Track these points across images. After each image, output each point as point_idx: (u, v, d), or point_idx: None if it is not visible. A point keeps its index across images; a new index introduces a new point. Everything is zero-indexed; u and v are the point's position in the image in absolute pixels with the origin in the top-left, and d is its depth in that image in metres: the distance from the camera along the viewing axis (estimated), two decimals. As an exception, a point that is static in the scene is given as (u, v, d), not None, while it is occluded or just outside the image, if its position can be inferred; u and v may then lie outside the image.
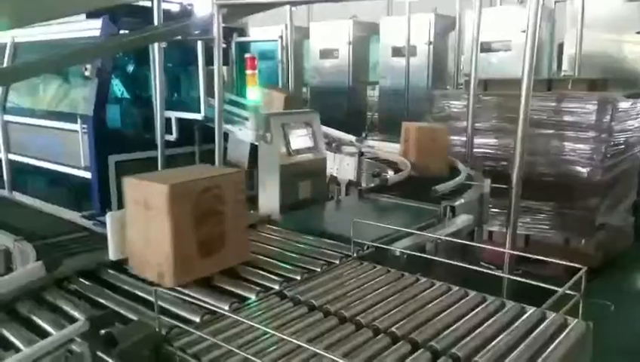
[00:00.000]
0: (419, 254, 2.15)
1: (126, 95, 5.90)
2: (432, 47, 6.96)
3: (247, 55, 4.65)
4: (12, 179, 5.96)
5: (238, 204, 1.91)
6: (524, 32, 3.45)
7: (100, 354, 1.39)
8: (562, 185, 4.74)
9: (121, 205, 5.02)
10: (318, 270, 2.03)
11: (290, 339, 1.38)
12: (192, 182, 1.81)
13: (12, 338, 1.59)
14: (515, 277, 1.87)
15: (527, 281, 1.72)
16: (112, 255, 2.05)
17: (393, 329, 1.52)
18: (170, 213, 1.73)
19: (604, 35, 6.57)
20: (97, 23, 4.86)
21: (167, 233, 1.74)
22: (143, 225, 1.83)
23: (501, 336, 1.46)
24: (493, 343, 1.42)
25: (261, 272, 2.03)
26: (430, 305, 1.70)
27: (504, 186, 3.59)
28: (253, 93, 4.68)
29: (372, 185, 3.36)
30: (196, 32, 4.61)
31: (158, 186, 1.76)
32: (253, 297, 1.80)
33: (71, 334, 1.42)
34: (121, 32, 4.92)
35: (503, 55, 6.51)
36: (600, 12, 6.56)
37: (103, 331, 1.42)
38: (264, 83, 5.29)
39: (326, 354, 1.30)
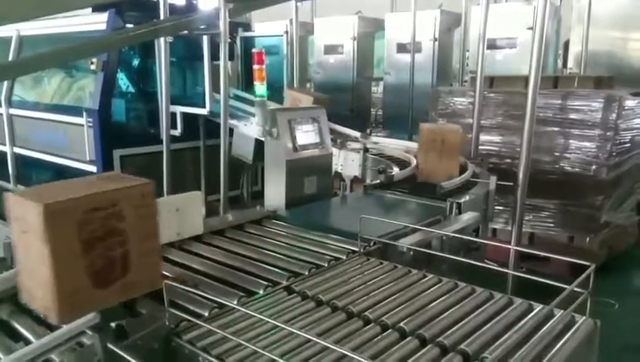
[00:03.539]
0: (425, 250, 2.16)
1: (131, 89, 5.91)
2: (437, 43, 6.93)
3: (254, 50, 4.64)
4: (17, 172, 5.98)
5: (143, 222, 1.55)
6: (529, 29, 3.45)
7: (110, 346, 1.40)
8: (567, 183, 4.74)
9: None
10: (325, 265, 2.04)
11: (299, 333, 1.38)
12: (76, 199, 1.41)
13: (22, 331, 1.60)
14: (522, 274, 1.87)
15: (534, 278, 1.73)
16: (120, 248, 2.05)
17: (401, 324, 1.52)
18: (48, 236, 1.36)
19: (611, 32, 6.55)
20: (103, 16, 4.87)
21: (46, 260, 1.37)
22: (23, 249, 1.47)
23: (509, 333, 1.46)
24: (501, 340, 1.43)
25: (268, 267, 2.04)
26: (438, 302, 1.70)
27: (509, 183, 3.58)
28: (260, 88, 4.69)
29: (377, 181, 3.36)
30: (202, 27, 4.60)
31: (33, 205, 1.36)
32: (260, 291, 1.81)
33: (81, 326, 1.43)
34: (127, 26, 4.92)
35: (508, 52, 6.50)
36: (606, 9, 6.54)
37: (113, 324, 1.43)
38: (269, 78, 5.29)
39: (335, 348, 1.30)
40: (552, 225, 4.84)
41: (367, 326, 1.56)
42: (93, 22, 4.97)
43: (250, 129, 4.70)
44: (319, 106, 3.64)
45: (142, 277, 1.56)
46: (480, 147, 4.82)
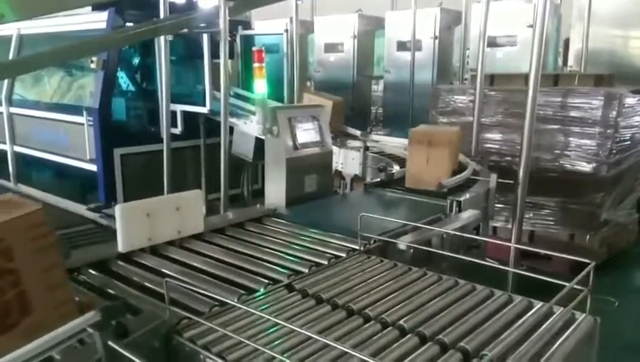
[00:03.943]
0: (425, 248, 2.16)
1: (132, 88, 5.91)
2: (437, 41, 6.91)
3: (254, 48, 4.63)
4: (17, 171, 5.98)
5: (39, 254, 1.34)
6: (530, 26, 3.44)
7: (111, 343, 1.40)
8: (567, 181, 4.74)
9: (126, 197, 5.04)
10: (326, 263, 2.04)
11: (300, 330, 1.38)
12: None
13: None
14: (522, 272, 1.87)
15: (535, 276, 1.72)
16: (122, 247, 2.07)
17: (401, 322, 1.53)
18: None
19: (611, 30, 6.54)
20: (103, 15, 4.86)
21: None
22: None
23: (509, 330, 1.47)
24: (501, 337, 1.43)
25: (269, 265, 2.05)
26: (438, 299, 1.70)
27: (509, 181, 3.59)
28: (260, 86, 4.68)
29: (378, 179, 3.37)
30: (202, 25, 4.60)
31: None
32: (261, 289, 1.81)
33: (82, 324, 1.42)
34: (127, 24, 4.92)
35: (508, 50, 6.49)
36: (607, 7, 6.53)
37: (114, 321, 1.43)
38: (269, 76, 5.29)
39: (336, 345, 1.31)
40: (552, 222, 4.84)
41: (368, 324, 1.56)
42: (93, 20, 4.97)
43: (251, 127, 4.70)
44: (320, 105, 3.65)
45: (49, 314, 1.38)
46: (480, 145, 4.82)
